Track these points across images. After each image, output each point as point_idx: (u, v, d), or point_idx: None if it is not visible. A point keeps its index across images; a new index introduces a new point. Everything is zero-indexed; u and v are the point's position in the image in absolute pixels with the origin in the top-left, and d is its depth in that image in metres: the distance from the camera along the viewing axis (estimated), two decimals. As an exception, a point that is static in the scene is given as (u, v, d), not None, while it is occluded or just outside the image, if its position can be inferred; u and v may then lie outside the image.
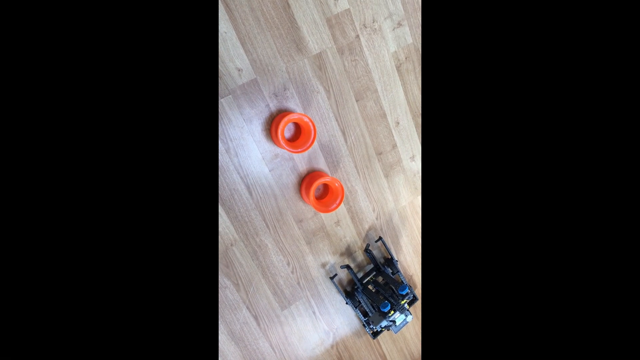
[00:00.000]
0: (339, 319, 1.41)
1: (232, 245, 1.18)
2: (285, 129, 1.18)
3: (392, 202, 1.39)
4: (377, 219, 1.38)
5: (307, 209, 1.26)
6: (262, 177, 1.17)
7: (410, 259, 1.49)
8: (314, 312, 1.36)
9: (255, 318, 1.27)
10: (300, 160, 1.21)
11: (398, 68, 1.27)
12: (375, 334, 1.40)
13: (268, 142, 1.16)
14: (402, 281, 1.35)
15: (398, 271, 1.38)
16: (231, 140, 1.11)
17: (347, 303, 1.36)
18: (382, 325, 1.27)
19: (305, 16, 1.11)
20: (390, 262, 1.39)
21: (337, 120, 1.23)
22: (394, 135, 1.33)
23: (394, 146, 1.34)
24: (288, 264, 1.28)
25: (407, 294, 1.26)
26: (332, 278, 1.33)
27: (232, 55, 1.06)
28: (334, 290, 1.37)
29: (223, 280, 1.20)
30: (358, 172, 1.30)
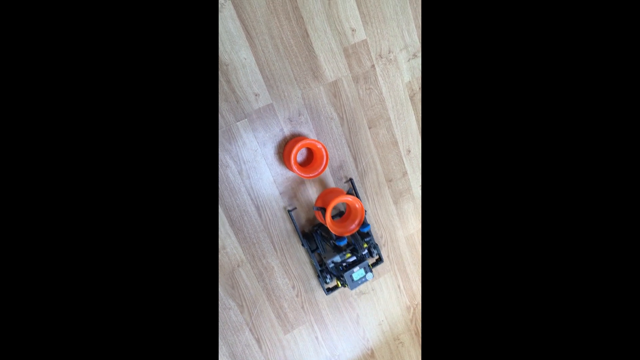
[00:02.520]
0: (342, 345, 1.39)
1: (238, 266, 1.19)
2: (298, 154, 1.20)
3: (400, 229, 1.38)
4: (384, 245, 1.37)
5: (315, 233, 1.26)
6: (272, 199, 1.18)
7: (416, 287, 1.47)
8: (316, 338, 1.34)
9: (258, 341, 1.26)
10: (311, 184, 1.22)
11: (412, 98, 1.29)
12: (329, 290, 1.26)
13: (280, 165, 1.17)
14: (366, 222, 1.19)
15: (371, 237, 1.27)
16: (244, 162, 1.13)
17: (302, 245, 1.23)
18: (335, 261, 1.14)
19: (323, 45, 1.14)
20: None
21: (349, 146, 1.24)
22: (405, 163, 1.33)
23: (405, 174, 1.34)
24: (293, 287, 1.27)
25: (368, 232, 1.13)
26: (290, 211, 1.19)
27: (250, 81, 1.09)
28: (338, 315, 1.36)
29: (228, 302, 1.19)
30: (367, 198, 1.30)
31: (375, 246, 1.27)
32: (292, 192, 1.21)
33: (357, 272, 1.15)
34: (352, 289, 1.16)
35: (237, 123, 1.10)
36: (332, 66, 1.17)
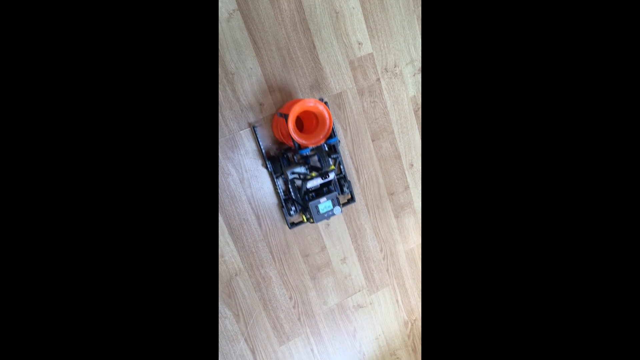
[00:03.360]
0: (338, 358, 1.37)
1: (236, 275, 1.18)
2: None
3: (400, 243, 1.37)
4: (384, 258, 1.36)
5: (314, 244, 1.25)
6: (272, 209, 1.18)
7: (414, 302, 1.46)
8: (312, 350, 1.32)
9: (253, 352, 1.24)
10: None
11: (416, 112, 1.29)
12: (293, 224, 1.16)
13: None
14: (333, 134, 1.05)
15: (338, 154, 1.11)
16: (246, 170, 1.13)
17: (267, 168, 1.11)
18: (296, 171, 1.02)
19: (330, 57, 1.15)
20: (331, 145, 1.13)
21: (351, 158, 1.24)
22: (407, 176, 1.33)
23: (407, 187, 1.34)
24: (290, 298, 1.26)
25: (335, 148, 1.02)
26: (254, 127, 1.07)
27: (256, 90, 1.09)
28: (334, 327, 1.34)
29: (224, 310, 1.18)
30: (368, 211, 1.30)
31: (347, 181, 1.16)
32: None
33: (324, 204, 1.05)
34: (316, 221, 1.06)
35: (241, 132, 1.10)
36: (338, 78, 1.17)
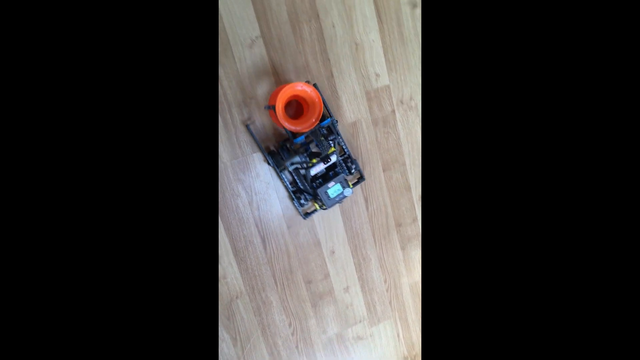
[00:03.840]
0: (333, 391, 1.33)
1: (237, 297, 1.16)
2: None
3: (405, 275, 1.35)
4: (387, 290, 1.34)
5: (318, 271, 1.23)
6: (279, 233, 1.17)
7: (416, 337, 1.42)
8: (307, 380, 1.29)
9: (247, 378, 1.21)
10: (319, 221, 1.21)
11: (429, 145, 1.29)
12: (307, 214, 1.14)
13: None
14: (325, 116, 1.03)
15: (338, 134, 1.08)
16: (255, 193, 1.13)
17: (268, 163, 1.08)
18: (294, 162, 1.01)
19: (347, 87, 1.16)
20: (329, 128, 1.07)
21: (361, 187, 1.23)
22: (416, 209, 1.32)
23: (415, 220, 1.32)
24: (290, 324, 1.24)
25: (330, 129, 1.00)
26: (247, 126, 1.05)
27: (271, 115, 1.10)
28: (332, 358, 1.31)
29: (222, 333, 1.16)
30: (375, 241, 1.28)
31: (354, 161, 1.14)
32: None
33: (333, 188, 1.04)
34: (328, 206, 1.05)
35: (253, 154, 1.10)
36: (353, 107, 1.18)
